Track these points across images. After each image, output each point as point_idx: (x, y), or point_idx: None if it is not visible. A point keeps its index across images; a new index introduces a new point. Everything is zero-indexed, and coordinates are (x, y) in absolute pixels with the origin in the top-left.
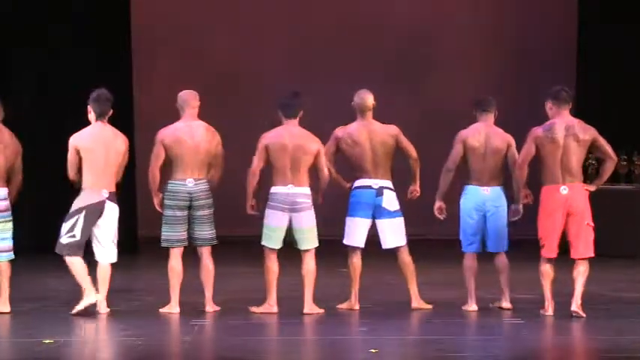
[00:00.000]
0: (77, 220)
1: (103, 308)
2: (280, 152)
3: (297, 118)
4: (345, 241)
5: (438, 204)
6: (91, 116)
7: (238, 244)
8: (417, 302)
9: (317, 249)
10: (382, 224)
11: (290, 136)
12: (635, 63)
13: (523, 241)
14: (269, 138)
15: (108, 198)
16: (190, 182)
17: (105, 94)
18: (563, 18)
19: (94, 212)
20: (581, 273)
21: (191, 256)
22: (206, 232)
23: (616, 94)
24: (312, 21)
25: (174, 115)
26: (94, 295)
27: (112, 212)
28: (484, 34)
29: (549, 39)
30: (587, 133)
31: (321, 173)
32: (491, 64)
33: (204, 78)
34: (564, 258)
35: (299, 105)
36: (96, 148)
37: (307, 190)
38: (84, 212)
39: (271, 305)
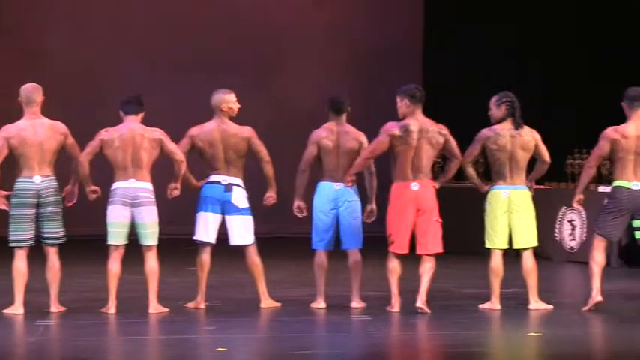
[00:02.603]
0: None
1: None
2: (120, 149)
3: (139, 115)
4: (194, 237)
5: (296, 203)
6: None
7: (87, 242)
8: (265, 301)
9: (163, 248)
10: (230, 220)
11: (130, 133)
12: (480, 60)
13: (368, 238)
14: (107, 134)
15: None
16: (38, 179)
17: None
18: (410, 18)
19: None
20: (427, 269)
21: (36, 255)
22: (54, 230)
23: (462, 92)
24: (164, 21)
25: (18, 113)
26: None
27: None
28: (333, 35)
29: (397, 39)
30: (440, 136)
31: (173, 156)
32: (339, 64)
33: (52, 75)
34: (410, 254)
35: (139, 102)
36: None
37: (149, 186)
38: None
39: (109, 307)
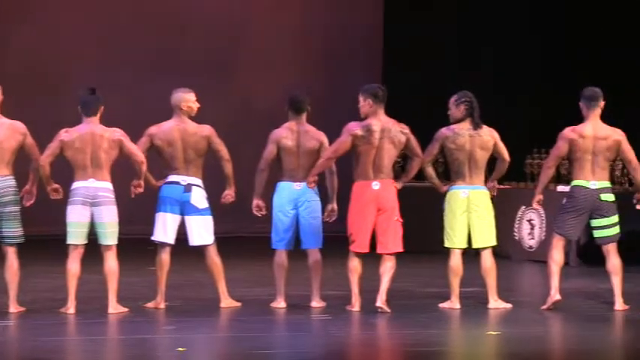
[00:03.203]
0: None
1: None
2: (80, 150)
3: (98, 115)
4: (153, 237)
5: (255, 202)
6: None
7: (45, 242)
8: (225, 301)
9: (122, 247)
10: (190, 221)
11: (90, 133)
12: (437, 62)
13: (328, 238)
14: (67, 135)
15: None
16: None
17: None
18: (370, 17)
19: None
20: (388, 269)
21: None
22: (12, 229)
23: (421, 92)
24: (126, 20)
25: None
26: None
27: None
28: (292, 34)
29: (356, 38)
30: (402, 135)
31: (133, 157)
32: (299, 63)
33: (11, 75)
34: (371, 254)
35: (98, 101)
36: None
37: (109, 186)
38: None
39: (68, 307)
